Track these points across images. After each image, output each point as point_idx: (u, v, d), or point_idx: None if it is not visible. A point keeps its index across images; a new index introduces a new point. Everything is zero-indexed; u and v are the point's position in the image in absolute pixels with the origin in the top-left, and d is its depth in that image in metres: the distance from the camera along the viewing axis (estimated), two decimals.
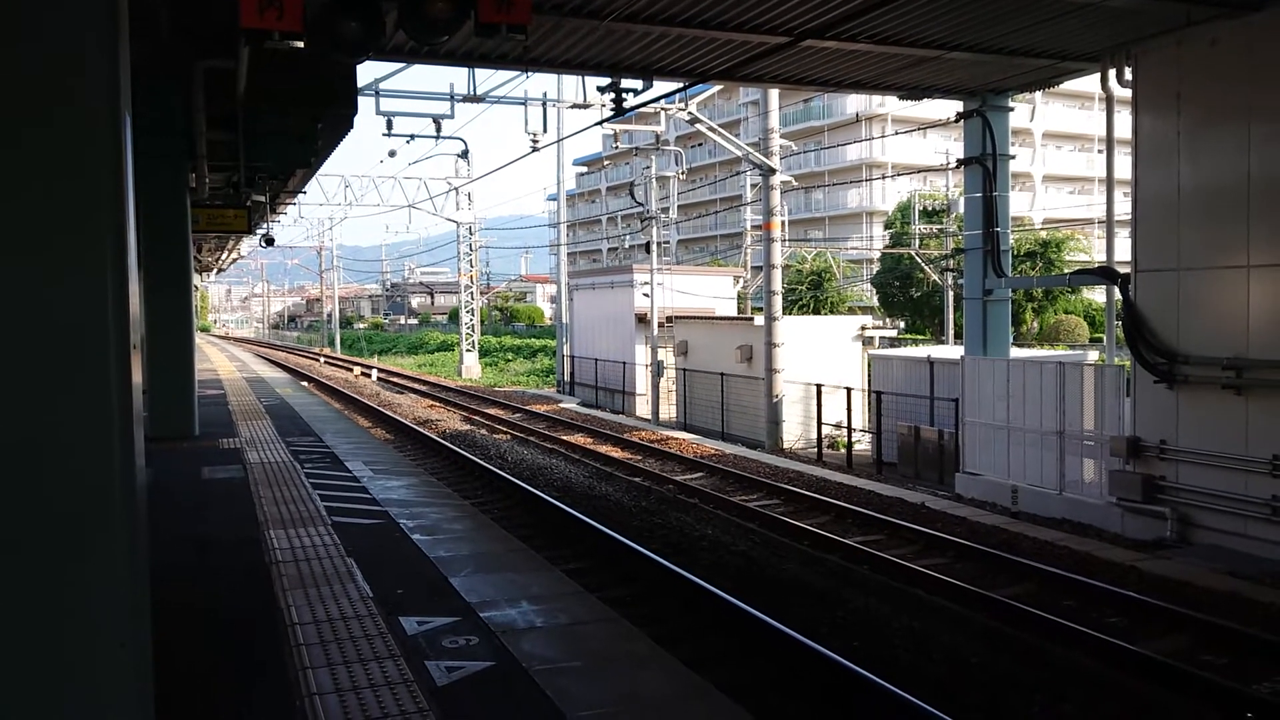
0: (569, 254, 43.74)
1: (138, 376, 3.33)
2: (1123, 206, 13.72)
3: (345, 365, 46.48)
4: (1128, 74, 12.39)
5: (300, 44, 5.17)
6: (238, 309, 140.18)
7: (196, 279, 29.54)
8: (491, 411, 26.47)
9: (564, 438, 20.94)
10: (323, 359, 51.85)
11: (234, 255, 46.59)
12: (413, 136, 21.15)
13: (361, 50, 5.59)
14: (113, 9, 3.14)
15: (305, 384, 30.15)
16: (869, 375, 21.86)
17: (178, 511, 8.57)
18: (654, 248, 27.30)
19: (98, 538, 3.08)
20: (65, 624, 3.06)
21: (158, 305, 12.50)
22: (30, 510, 3.01)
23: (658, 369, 26.49)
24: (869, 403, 19.84)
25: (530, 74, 14.68)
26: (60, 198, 3.05)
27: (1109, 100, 13.22)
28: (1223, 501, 11.13)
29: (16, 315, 2.99)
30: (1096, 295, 37.89)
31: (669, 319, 27.93)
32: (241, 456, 11.66)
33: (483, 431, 22.63)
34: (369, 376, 39.59)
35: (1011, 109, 15.97)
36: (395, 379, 39.72)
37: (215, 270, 50.81)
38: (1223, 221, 11.19)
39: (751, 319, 26.81)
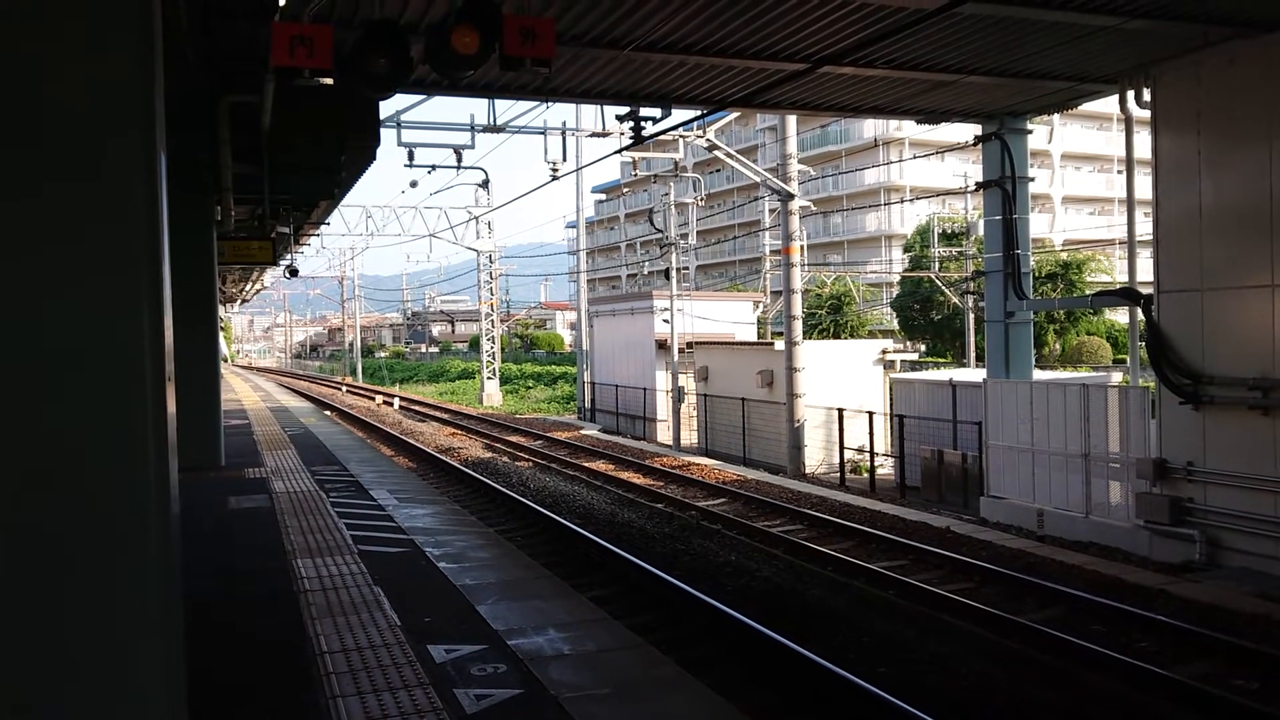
0: (588, 281, 43.90)
1: (173, 407, 3.40)
2: (1144, 227, 13.67)
3: (367, 394, 46.72)
4: (1146, 95, 12.39)
5: (330, 81, 5.27)
6: (260, 339, 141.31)
7: (221, 310, 29.84)
8: (513, 439, 26.52)
9: (586, 464, 20.95)
10: (345, 388, 52.14)
11: (258, 286, 47.02)
12: (434, 167, 21.34)
13: (391, 86, 5.69)
14: (149, 49, 3.23)
15: (328, 413, 30.34)
16: (891, 399, 21.79)
17: (206, 541, 8.64)
18: (673, 274, 27.40)
19: (134, 565, 3.14)
20: (102, 649, 3.11)
21: (184, 336, 12.63)
22: (70, 537, 3.07)
23: (678, 395, 26.51)
24: (891, 427, 19.77)
25: (550, 104, 14.83)
26: (99, 233, 3.13)
27: (1128, 121, 13.21)
28: (1252, 523, 11.01)
29: (59, 348, 3.06)
30: (1119, 316, 37.71)
31: (689, 344, 27.96)
32: (267, 486, 11.74)
33: (505, 459, 22.66)
34: (391, 405, 39.77)
35: (1030, 131, 15.97)
36: (417, 407, 39.88)
37: (239, 301, 51.25)
38: (1246, 241, 11.14)
39: (772, 344, 26.81)
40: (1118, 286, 19.14)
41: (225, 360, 27.51)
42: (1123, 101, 12.72)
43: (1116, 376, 22.68)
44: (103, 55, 3.10)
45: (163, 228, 3.28)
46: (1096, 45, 11.37)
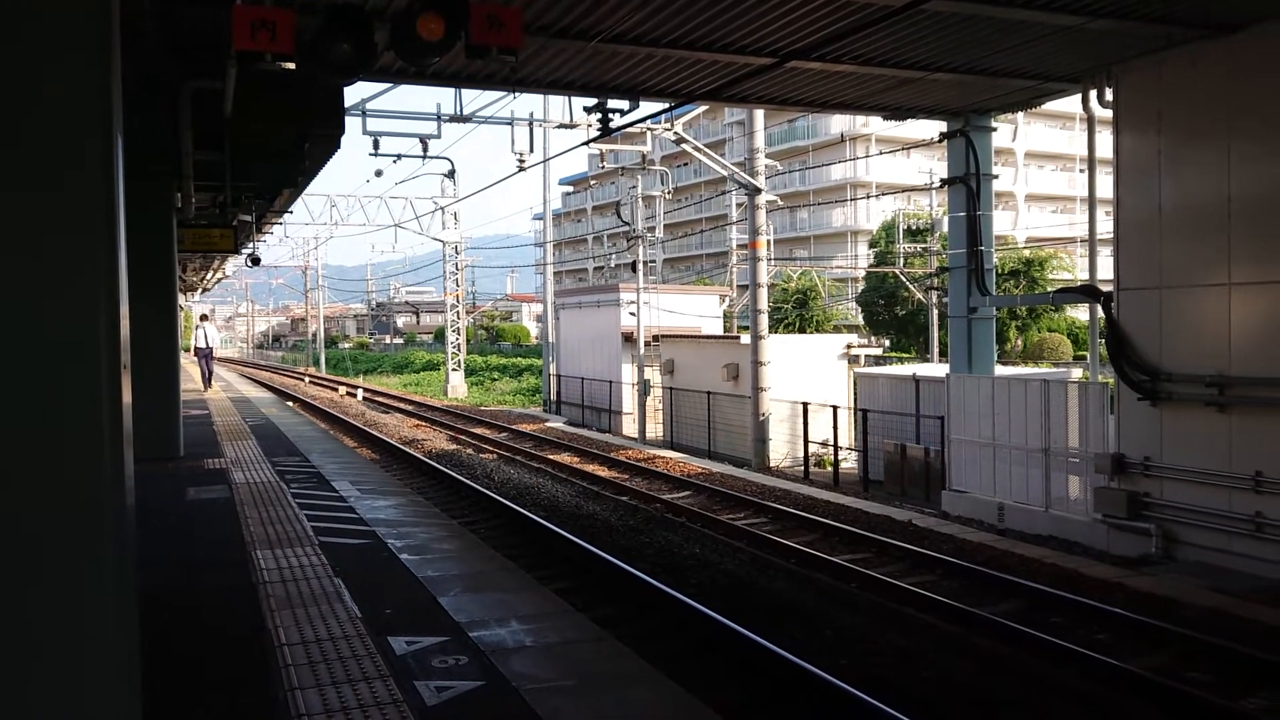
0: (555, 273, 43.79)
1: (128, 396, 3.33)
2: (1105, 225, 13.84)
3: (330, 385, 46.34)
4: (1109, 94, 12.53)
5: (292, 65, 5.19)
6: (222, 329, 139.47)
7: (181, 298, 29.27)
8: (478, 431, 26.41)
9: (551, 457, 20.91)
10: (308, 379, 51.66)
11: (219, 275, 46.45)
12: (399, 156, 21.10)
13: (354, 72, 5.62)
14: (106, 31, 3.15)
15: (290, 404, 30.04)
16: (855, 393, 21.94)
17: (163, 532, 8.52)
18: (640, 267, 27.36)
19: (87, 558, 3.07)
20: (54, 643, 3.05)
21: (143, 325, 12.42)
22: (20, 530, 3.00)
23: (644, 388, 26.50)
24: (855, 421, 19.90)
25: (517, 94, 14.72)
26: (52, 218, 3.05)
27: (1090, 120, 13.36)
28: (1206, 518, 11.20)
29: (8, 334, 2.99)
30: (1080, 313, 38.16)
31: (655, 338, 27.97)
32: (227, 477, 11.60)
33: (469, 451, 22.57)
34: (354, 396, 39.45)
35: (994, 129, 16.11)
36: (381, 399, 39.60)
37: (200, 290, 50.60)
38: (1204, 240, 11.31)
39: (737, 337, 26.86)
40: (1079, 284, 19.37)
41: (211, 350, 26.43)
42: (1085, 101, 12.87)
43: (1077, 372, 22.96)
44: (57, 37, 3.03)
45: (119, 213, 3.21)
46: (1060, 44, 11.48)
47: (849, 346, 24.74)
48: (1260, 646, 8.22)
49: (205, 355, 26.63)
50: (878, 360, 31.64)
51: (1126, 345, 12.21)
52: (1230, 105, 10.97)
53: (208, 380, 27.03)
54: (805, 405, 20.03)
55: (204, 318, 27.86)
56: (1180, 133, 11.61)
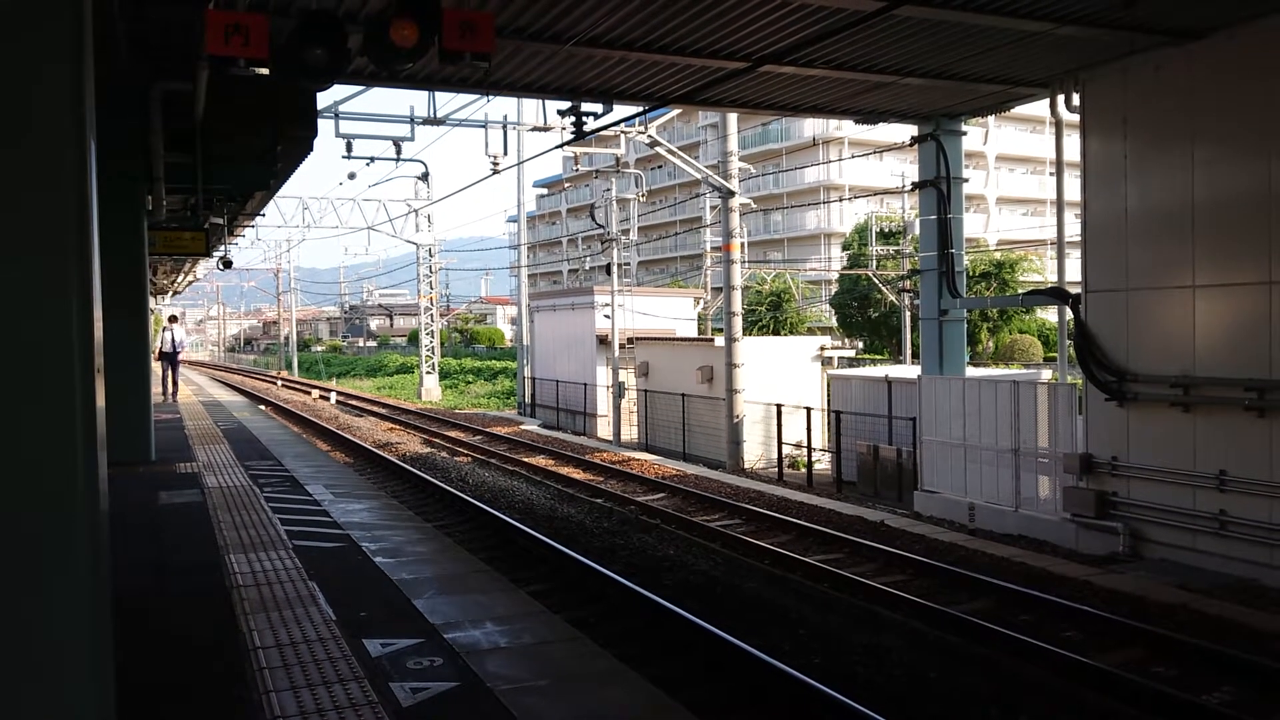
0: (530, 275, 43.75)
1: (101, 400, 3.34)
2: (1073, 228, 14.02)
3: (303, 388, 46.06)
4: (1076, 99, 12.71)
5: (265, 70, 5.19)
6: (193, 332, 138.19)
7: (151, 302, 28.84)
8: (452, 434, 26.35)
9: (525, 460, 20.90)
10: (280, 382, 51.32)
11: (190, 278, 46.07)
12: (372, 159, 21.04)
13: (327, 77, 5.62)
14: (78, 34, 3.16)
15: (263, 407, 29.85)
16: (828, 395, 22.07)
17: (135, 537, 8.47)
18: (614, 269, 27.42)
19: (61, 562, 3.08)
20: (28, 648, 3.05)
21: (113, 328, 12.33)
22: None
23: (619, 390, 26.55)
24: (828, 422, 20.02)
25: (491, 97, 14.75)
26: (26, 221, 3.06)
27: (1058, 125, 13.53)
28: (1172, 516, 11.37)
29: None
30: (1050, 315, 38.54)
31: (630, 340, 28.01)
32: (199, 481, 11.53)
33: (444, 454, 22.52)
34: (327, 399, 39.25)
35: (964, 133, 16.27)
36: (354, 402, 39.40)
37: (170, 293, 50.16)
38: (1168, 242, 11.49)
39: (712, 340, 26.94)
40: (1048, 286, 19.58)
41: (177, 355, 24.25)
42: (1053, 105, 13.03)
43: (1047, 374, 23.20)
44: (29, 37, 3.03)
45: (91, 216, 3.22)
46: (1028, 50, 11.63)
47: (822, 348, 24.87)
48: (1224, 642, 8.37)
49: (171, 360, 24.06)
50: (851, 362, 31.84)
51: (1094, 346, 12.38)
52: (1192, 110, 11.16)
53: (174, 389, 24.61)
54: (779, 407, 20.14)
55: (173, 319, 26.23)
56: (1145, 137, 11.80)
